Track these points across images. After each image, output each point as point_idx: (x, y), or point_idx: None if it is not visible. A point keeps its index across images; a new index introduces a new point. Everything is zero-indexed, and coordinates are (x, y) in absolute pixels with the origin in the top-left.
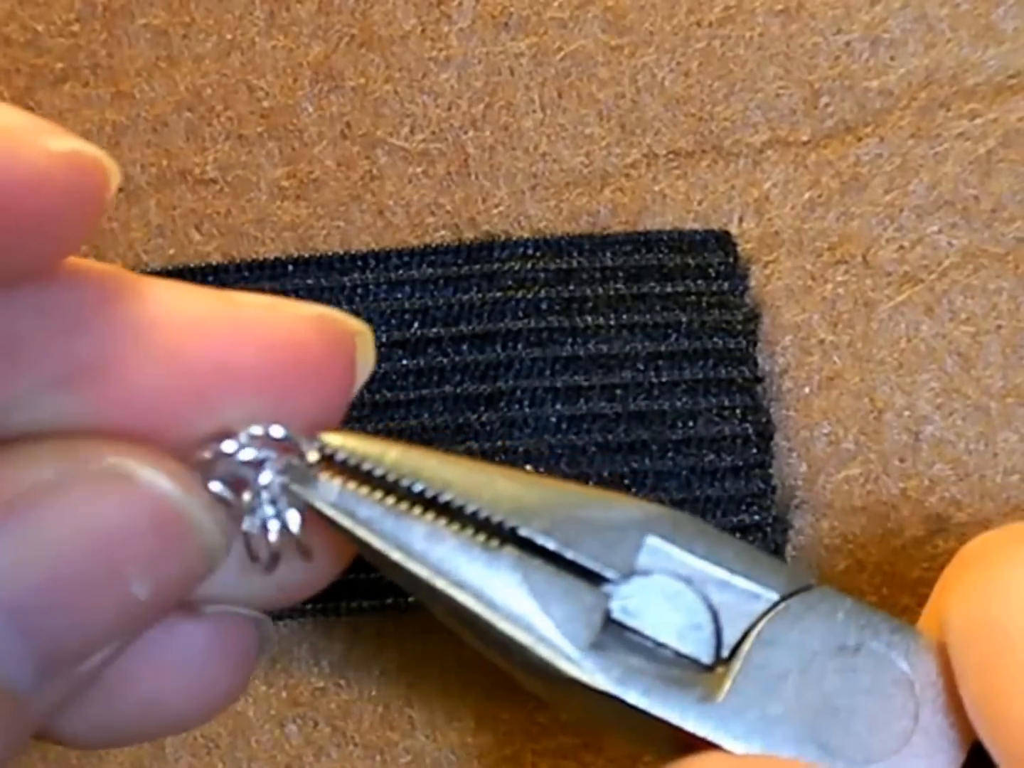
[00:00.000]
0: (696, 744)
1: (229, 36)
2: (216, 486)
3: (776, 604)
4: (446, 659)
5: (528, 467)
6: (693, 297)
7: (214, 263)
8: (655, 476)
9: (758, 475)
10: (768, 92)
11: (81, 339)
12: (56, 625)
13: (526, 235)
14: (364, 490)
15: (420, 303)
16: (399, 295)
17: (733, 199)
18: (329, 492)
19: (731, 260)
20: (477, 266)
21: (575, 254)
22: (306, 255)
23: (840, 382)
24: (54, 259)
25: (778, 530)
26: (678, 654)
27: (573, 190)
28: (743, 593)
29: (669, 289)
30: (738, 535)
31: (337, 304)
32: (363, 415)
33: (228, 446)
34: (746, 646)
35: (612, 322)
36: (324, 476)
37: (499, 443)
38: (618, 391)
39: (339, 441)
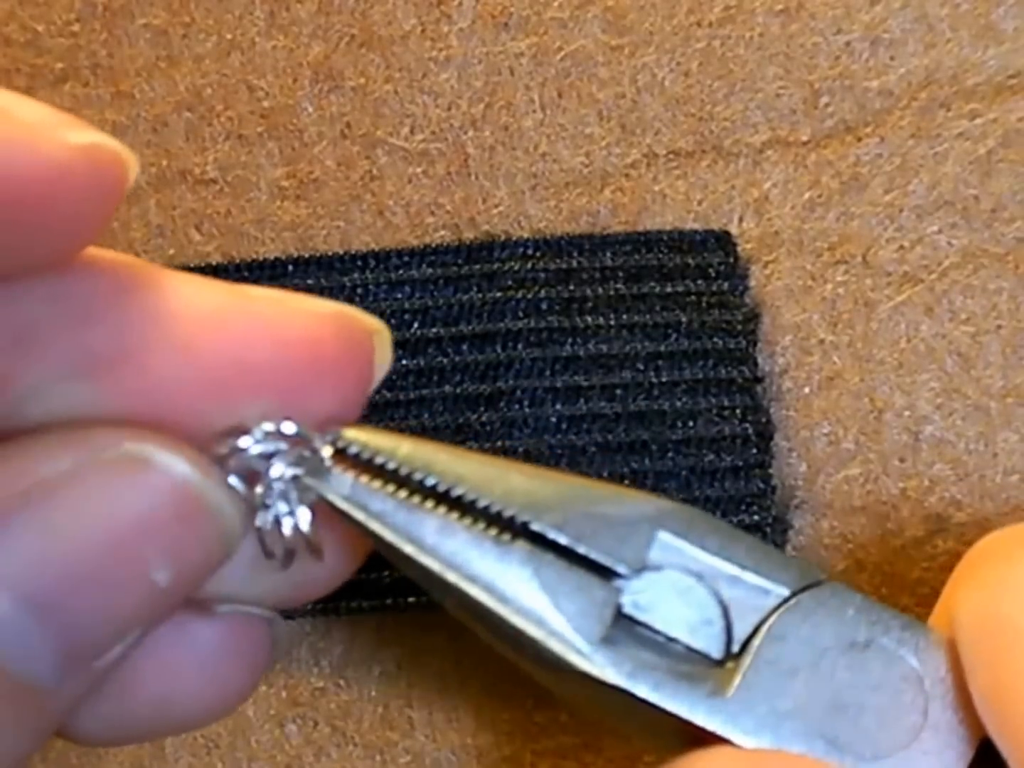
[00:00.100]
0: (706, 738)
1: (229, 36)
2: (232, 480)
3: (787, 600)
4: (446, 659)
5: None
6: (693, 297)
7: (214, 263)
8: (655, 476)
9: (758, 475)
10: (768, 92)
11: (97, 329)
12: (77, 617)
13: (526, 235)
14: (377, 483)
15: (420, 303)
16: (399, 295)
17: (733, 199)
18: (342, 485)
19: (731, 260)
20: (477, 266)
21: (575, 254)
22: (306, 255)
23: (840, 382)
24: (72, 250)
25: (778, 530)
26: (689, 649)
27: (573, 190)
28: (754, 588)
29: (669, 289)
30: None
31: None
32: (363, 415)
33: (244, 441)
34: (756, 641)
35: (612, 322)
36: (337, 469)
37: (499, 443)
38: (618, 391)
39: (352, 435)
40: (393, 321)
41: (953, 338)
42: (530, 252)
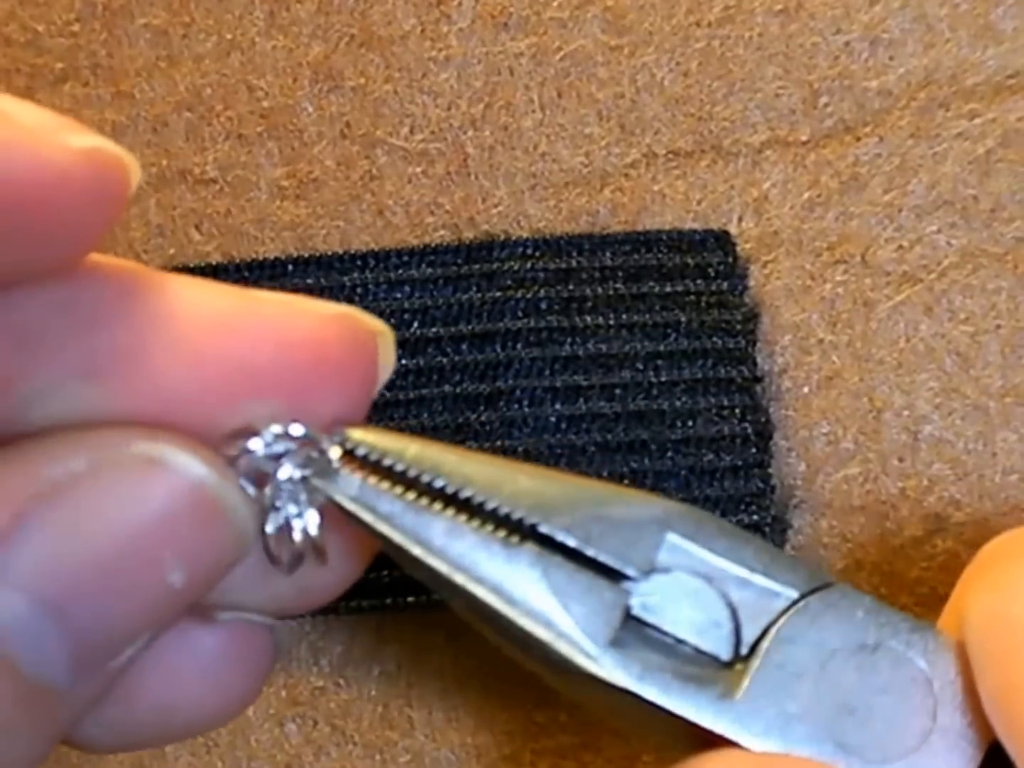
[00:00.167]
0: (714, 741)
1: (229, 36)
2: (242, 483)
3: (795, 602)
4: (445, 659)
5: None
6: (692, 297)
7: (214, 263)
8: (654, 476)
9: (757, 475)
10: (767, 92)
11: (102, 333)
12: (92, 618)
13: (526, 235)
14: (385, 485)
15: (420, 303)
16: (399, 295)
17: (732, 199)
18: (350, 486)
19: (730, 260)
20: (477, 266)
21: (575, 254)
22: (306, 255)
23: (839, 382)
24: (75, 255)
25: (777, 530)
26: (697, 651)
27: (573, 190)
28: (762, 591)
29: (668, 289)
30: None
31: None
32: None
33: (253, 443)
34: (765, 644)
35: (612, 322)
36: (345, 471)
37: (499, 443)
38: (617, 391)
39: (359, 436)
40: (393, 321)
41: (952, 338)
42: (530, 252)
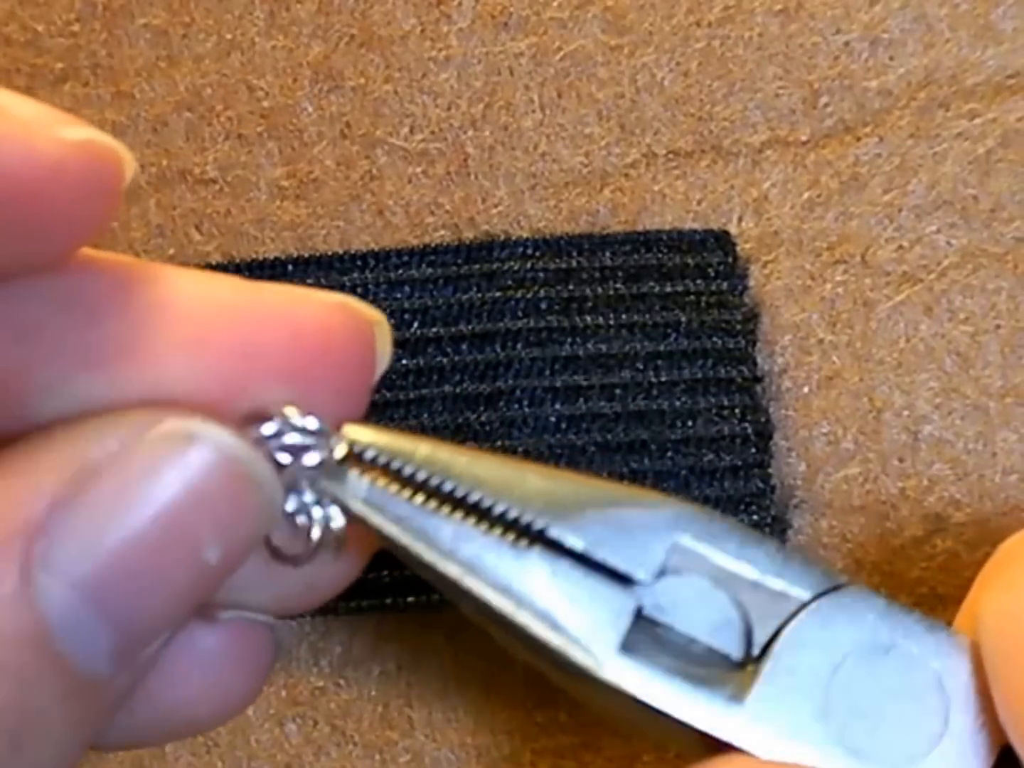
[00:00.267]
0: (723, 746)
1: (229, 36)
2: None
3: (807, 604)
4: (445, 659)
5: None
6: (692, 297)
7: (214, 263)
8: (654, 476)
9: (757, 475)
10: (767, 92)
11: (102, 324)
12: (134, 604)
13: (526, 235)
14: (394, 487)
15: (420, 303)
16: (399, 295)
17: (732, 199)
18: (359, 489)
19: (730, 260)
20: (477, 266)
21: (574, 254)
22: (306, 255)
23: (839, 382)
24: (71, 247)
25: (777, 530)
26: (710, 649)
27: (573, 190)
28: (774, 593)
29: (668, 289)
30: None
31: None
32: (365, 415)
33: (267, 428)
34: (776, 647)
35: (612, 322)
36: (353, 473)
37: (499, 443)
38: (617, 391)
39: (368, 437)
40: (393, 321)
41: (952, 338)
42: (530, 252)
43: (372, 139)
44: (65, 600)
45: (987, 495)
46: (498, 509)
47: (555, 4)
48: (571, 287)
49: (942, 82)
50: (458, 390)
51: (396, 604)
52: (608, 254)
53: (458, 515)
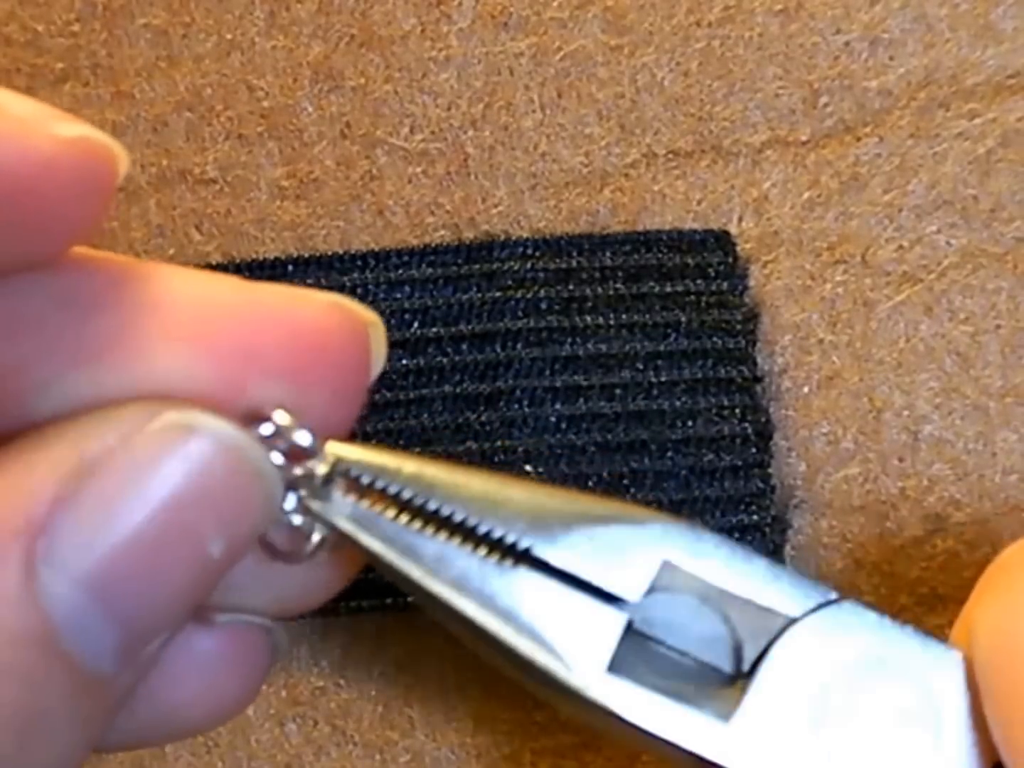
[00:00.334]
0: (713, 766)
1: (229, 36)
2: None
3: (798, 620)
4: (445, 659)
5: (528, 467)
6: (692, 297)
7: (214, 263)
8: (654, 476)
9: (757, 475)
10: (767, 92)
11: (98, 321)
12: (138, 599)
13: (526, 235)
14: (379, 506)
15: (420, 303)
16: (399, 295)
17: (732, 199)
18: (344, 507)
19: (730, 260)
20: (477, 266)
21: (574, 254)
22: (306, 255)
23: (839, 382)
24: (64, 244)
25: (777, 530)
26: (699, 667)
27: (573, 190)
28: (763, 610)
29: (668, 289)
30: (737, 535)
31: None
32: (363, 415)
33: (266, 429)
34: (766, 663)
35: (612, 322)
36: (338, 491)
37: (499, 443)
38: (617, 391)
39: (355, 455)
40: (393, 321)
41: (952, 338)
42: (530, 252)
43: (372, 139)
44: (70, 598)
45: (987, 495)
46: (483, 528)
47: (555, 4)
48: (571, 287)
49: (942, 82)
50: (458, 390)
51: (396, 604)
52: (608, 254)
53: (443, 535)
